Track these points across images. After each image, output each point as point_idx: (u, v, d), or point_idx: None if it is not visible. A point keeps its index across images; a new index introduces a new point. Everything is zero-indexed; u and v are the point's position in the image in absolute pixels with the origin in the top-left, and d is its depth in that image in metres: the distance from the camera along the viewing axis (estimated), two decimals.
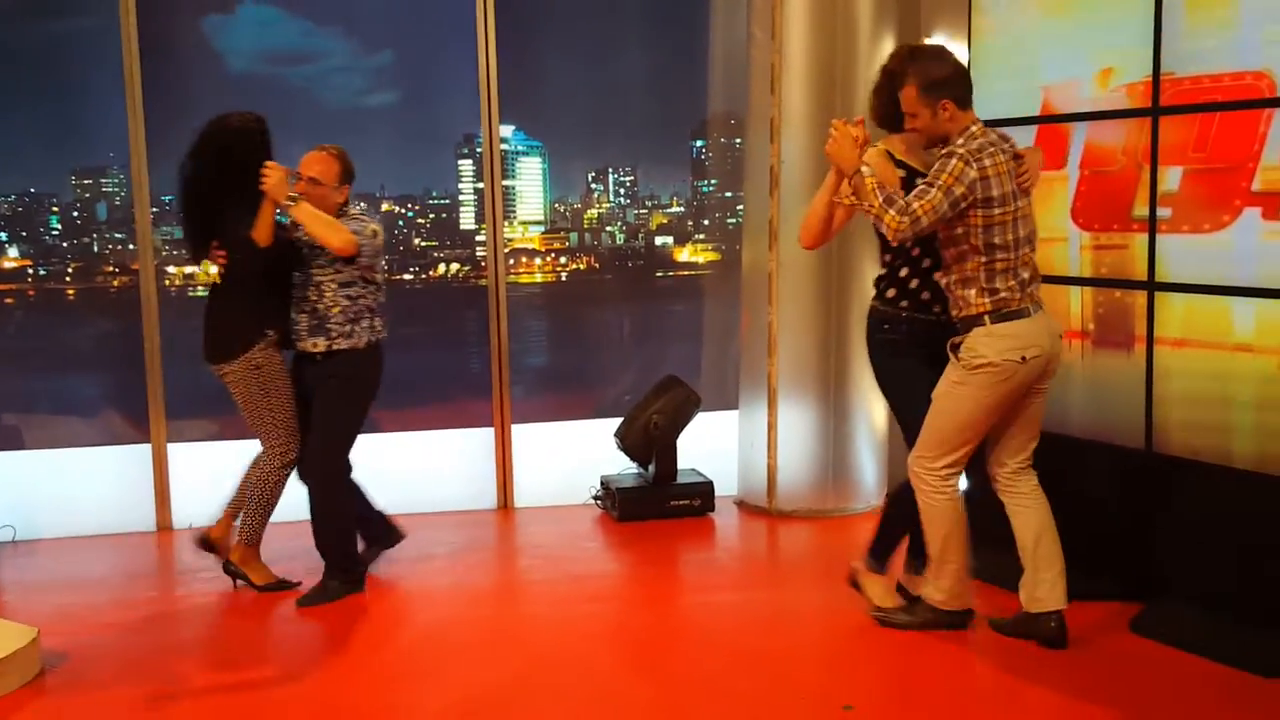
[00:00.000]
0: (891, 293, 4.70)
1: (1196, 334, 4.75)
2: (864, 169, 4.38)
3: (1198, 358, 4.75)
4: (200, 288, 7.04)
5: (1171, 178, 4.79)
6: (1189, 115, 4.72)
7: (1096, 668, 4.43)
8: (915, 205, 4.23)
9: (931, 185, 4.26)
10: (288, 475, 5.38)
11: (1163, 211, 4.83)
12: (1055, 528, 4.59)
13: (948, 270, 4.48)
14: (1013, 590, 4.72)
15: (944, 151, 4.35)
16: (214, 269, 5.27)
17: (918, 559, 4.86)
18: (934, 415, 4.54)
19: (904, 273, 4.66)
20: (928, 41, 6.46)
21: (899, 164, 4.62)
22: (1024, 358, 4.36)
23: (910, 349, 4.68)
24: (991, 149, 4.32)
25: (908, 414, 4.72)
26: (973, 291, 4.39)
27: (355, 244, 5.01)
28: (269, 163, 5.03)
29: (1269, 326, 4.48)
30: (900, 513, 4.87)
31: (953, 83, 4.41)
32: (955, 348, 4.46)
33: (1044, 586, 4.56)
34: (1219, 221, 4.63)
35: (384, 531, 5.72)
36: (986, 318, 4.38)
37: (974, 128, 4.40)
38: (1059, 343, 4.58)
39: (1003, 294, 4.37)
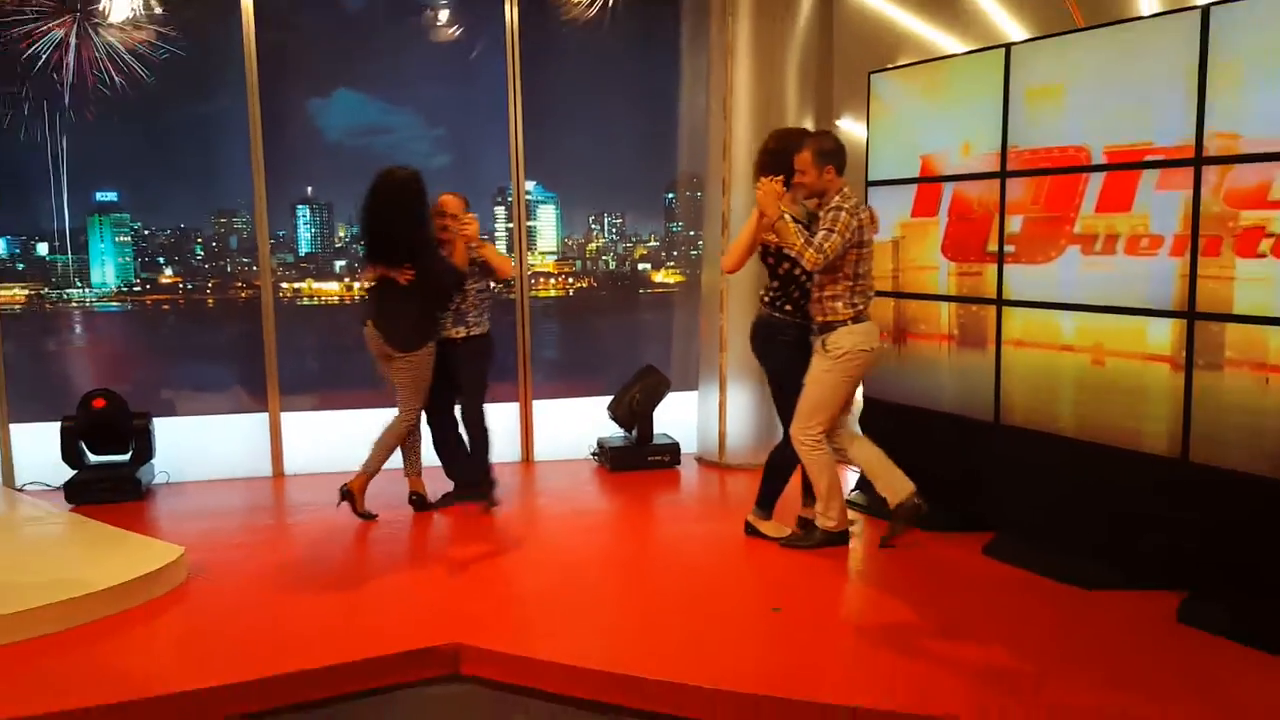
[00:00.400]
0: (788, 308, 4.75)
1: (1032, 338, 4.73)
2: (786, 215, 4.45)
3: (1033, 355, 4.73)
4: (307, 299, 6.98)
5: (1015, 223, 4.76)
6: (1028, 178, 4.69)
7: (957, 580, 4.40)
8: (826, 245, 4.37)
9: (833, 231, 4.39)
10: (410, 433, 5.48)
11: (1008, 248, 4.80)
12: (876, 446, 4.77)
13: (821, 288, 4.58)
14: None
15: (833, 206, 4.46)
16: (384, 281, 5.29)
17: (809, 496, 4.93)
18: (810, 394, 4.63)
19: (795, 294, 4.73)
20: (837, 122, 6.40)
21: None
22: (870, 349, 4.60)
23: (798, 348, 4.72)
24: (859, 207, 4.50)
25: (790, 397, 4.73)
26: (840, 304, 4.54)
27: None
28: (468, 214, 5.32)
29: (1085, 333, 4.48)
30: (778, 471, 4.98)
31: (836, 154, 4.56)
32: (824, 344, 4.57)
33: (896, 482, 4.71)
34: (1049, 256, 4.61)
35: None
36: (849, 321, 4.54)
37: (846, 189, 4.54)
38: (881, 343, 4.84)
39: (859, 306, 4.56)
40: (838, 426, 4.75)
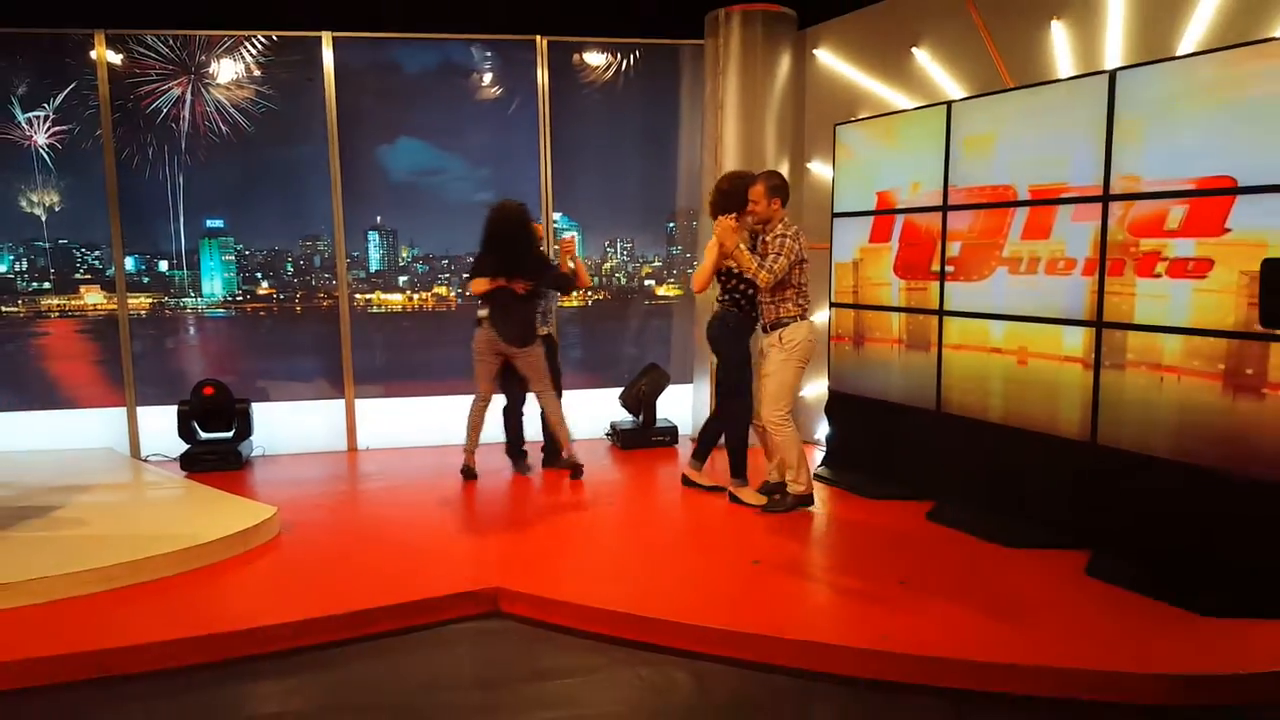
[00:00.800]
0: (732, 308, 4.79)
1: (968, 341, 4.68)
2: (741, 246, 4.54)
3: (969, 356, 4.68)
4: (376, 307, 6.95)
5: (954, 248, 4.71)
6: (965, 210, 4.64)
7: (904, 540, 4.35)
8: (774, 267, 4.47)
9: (779, 255, 4.48)
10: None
11: (949, 268, 4.75)
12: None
13: (772, 295, 4.60)
14: (863, 496, 4.81)
15: (778, 233, 4.53)
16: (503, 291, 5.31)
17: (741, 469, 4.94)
18: (772, 382, 4.61)
19: (739, 297, 4.76)
20: (808, 164, 6.36)
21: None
22: (814, 339, 4.66)
23: (737, 334, 4.78)
24: (799, 233, 4.57)
25: (737, 380, 4.77)
26: (790, 305, 4.58)
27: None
28: (567, 237, 5.57)
29: (1012, 337, 4.44)
30: (710, 433, 5.14)
31: (782, 190, 4.62)
32: (780, 338, 4.57)
33: (804, 476, 4.73)
34: (983, 274, 4.56)
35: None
36: (798, 317, 4.58)
37: (786, 218, 4.61)
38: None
39: (805, 306, 4.62)
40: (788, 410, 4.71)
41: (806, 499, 4.78)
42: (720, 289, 4.86)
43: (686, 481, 5.17)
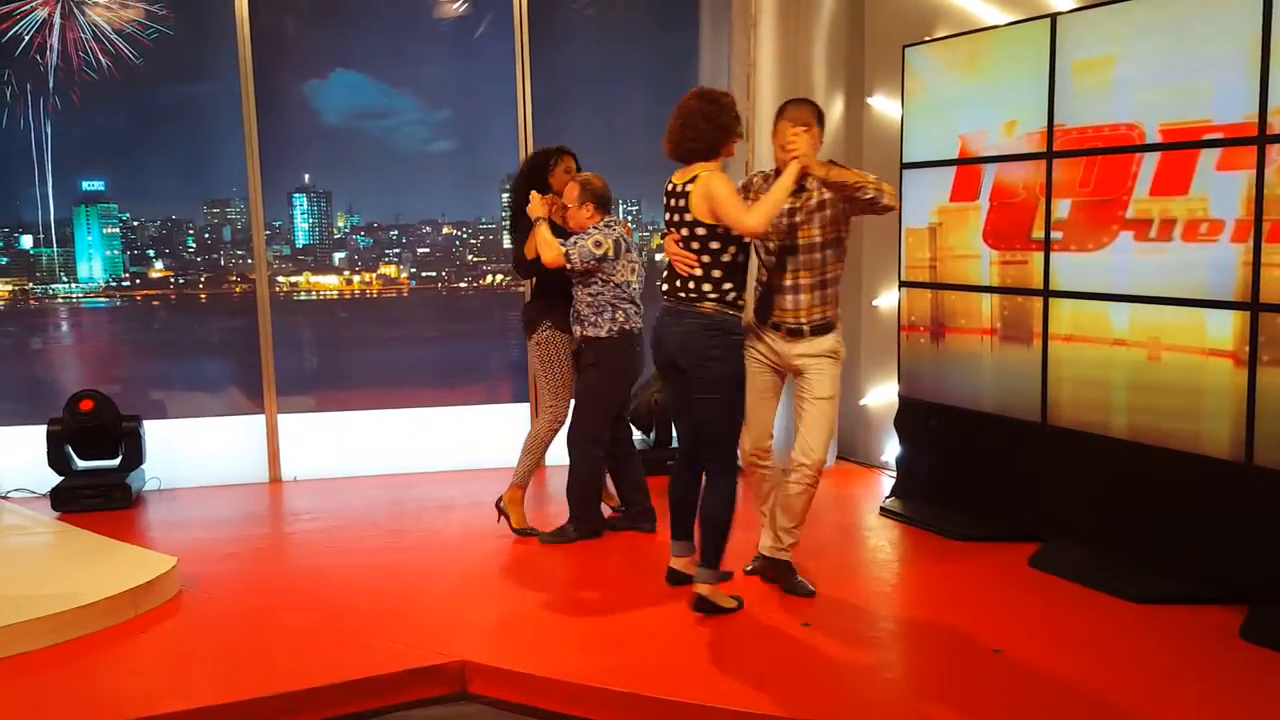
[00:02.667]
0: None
1: (1082, 331, 4.69)
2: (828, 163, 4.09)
3: (1083, 350, 4.69)
4: (304, 293, 6.99)
5: (1062, 208, 4.72)
6: (1076, 158, 4.64)
7: (1000, 593, 4.34)
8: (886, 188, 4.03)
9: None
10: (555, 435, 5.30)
11: (1055, 234, 4.75)
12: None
13: (823, 278, 4.22)
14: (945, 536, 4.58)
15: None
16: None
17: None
18: (831, 410, 4.26)
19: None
20: (869, 99, 6.36)
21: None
22: None
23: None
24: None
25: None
26: (837, 306, 4.32)
27: (562, 257, 4.84)
28: (532, 192, 5.05)
29: (1139, 325, 4.43)
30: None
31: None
32: (831, 347, 4.25)
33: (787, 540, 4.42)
34: (1100, 242, 4.57)
35: (640, 514, 5.35)
36: (837, 325, 4.31)
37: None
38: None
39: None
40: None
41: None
42: (705, 272, 4.06)
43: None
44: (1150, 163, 4.34)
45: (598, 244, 4.90)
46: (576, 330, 5.07)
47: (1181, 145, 4.22)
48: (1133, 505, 4.50)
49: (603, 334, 4.98)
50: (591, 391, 5.09)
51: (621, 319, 5.00)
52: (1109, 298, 4.54)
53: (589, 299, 4.98)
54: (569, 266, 4.90)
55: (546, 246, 4.90)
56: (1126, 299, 4.47)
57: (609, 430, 5.15)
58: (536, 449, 5.26)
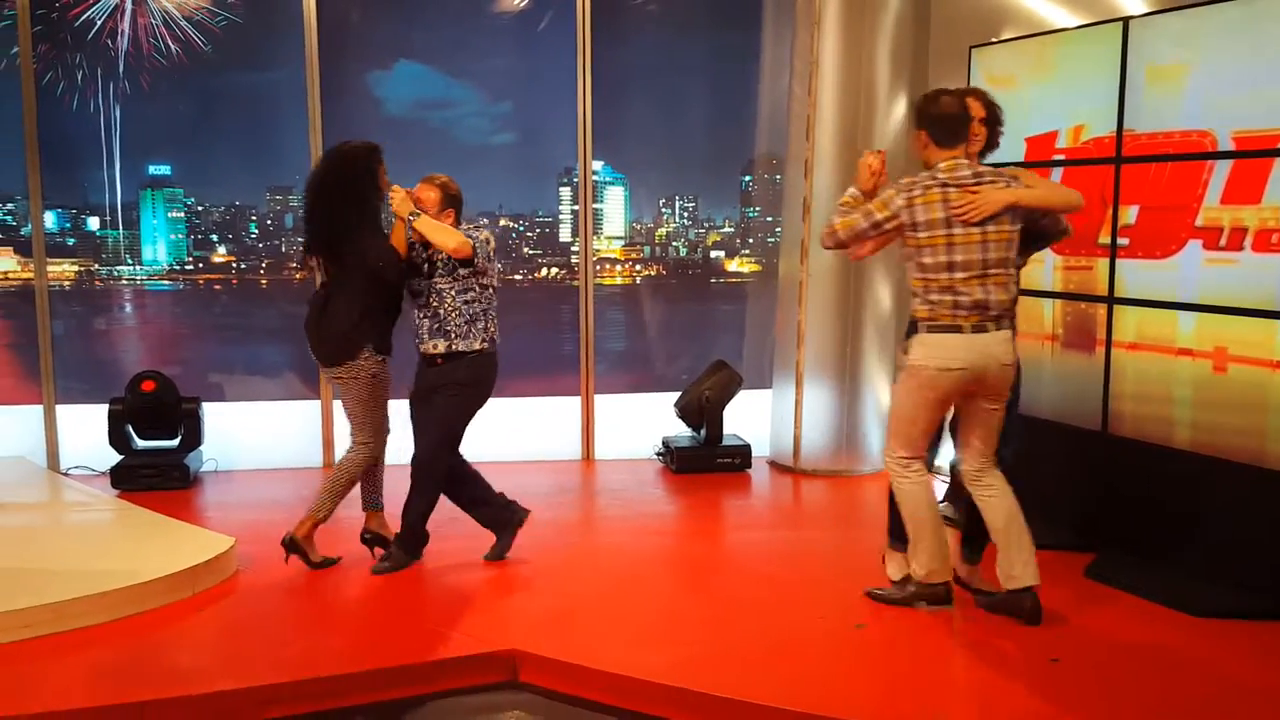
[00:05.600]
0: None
1: (1148, 339, 4.62)
2: (850, 190, 4.12)
3: (1148, 359, 4.62)
4: None
5: (1130, 214, 4.65)
6: (1145, 164, 4.57)
7: (1055, 603, 4.28)
8: (836, 221, 4.02)
9: (860, 209, 4.00)
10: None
11: (1122, 240, 4.69)
12: (1021, 515, 4.04)
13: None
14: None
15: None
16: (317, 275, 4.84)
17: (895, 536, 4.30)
18: (890, 408, 4.21)
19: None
20: None
21: None
22: (939, 368, 3.89)
23: None
24: (930, 182, 3.90)
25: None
26: (917, 301, 3.98)
27: (470, 246, 4.42)
28: (393, 185, 4.56)
29: (1206, 335, 4.36)
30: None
31: (931, 120, 3.99)
32: (905, 348, 4.09)
33: (1018, 566, 4.01)
34: (1168, 250, 4.50)
35: (507, 515, 4.87)
36: (923, 325, 3.95)
37: (942, 164, 3.93)
38: (993, 365, 3.90)
39: (936, 307, 3.90)
40: (982, 466, 4.08)
41: (934, 590, 4.11)
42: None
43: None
44: (1222, 170, 4.27)
45: (487, 240, 4.55)
46: (437, 345, 4.54)
47: (1255, 154, 4.14)
48: (1193, 517, 4.43)
49: (475, 346, 4.54)
50: (459, 411, 4.62)
51: (492, 330, 4.61)
52: (1176, 306, 4.47)
53: (462, 307, 4.53)
54: (475, 262, 4.47)
55: (449, 234, 4.41)
56: (1194, 307, 4.39)
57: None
58: (345, 485, 4.69)
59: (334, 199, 4.57)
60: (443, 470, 4.66)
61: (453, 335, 4.54)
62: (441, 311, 4.54)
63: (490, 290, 4.63)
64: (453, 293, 4.54)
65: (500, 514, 4.86)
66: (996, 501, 4.06)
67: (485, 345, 4.58)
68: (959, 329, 3.89)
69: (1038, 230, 4.06)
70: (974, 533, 4.28)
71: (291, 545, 4.63)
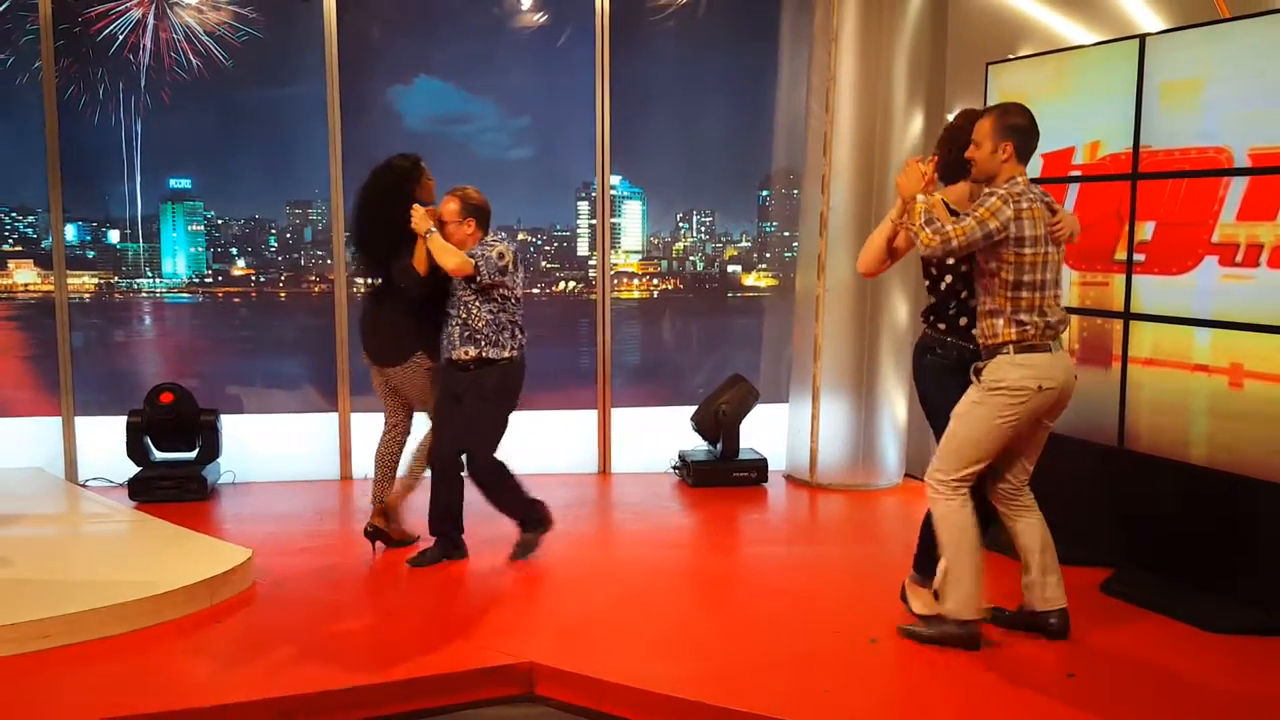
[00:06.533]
0: (941, 325, 4.12)
1: (1164, 355, 4.62)
2: (920, 198, 3.90)
3: (1164, 375, 4.62)
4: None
5: (1146, 230, 4.66)
6: (1162, 180, 4.58)
7: (1073, 618, 4.27)
8: (950, 229, 3.78)
9: (969, 215, 3.81)
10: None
11: (1138, 256, 4.70)
12: (1052, 538, 4.09)
13: (980, 301, 3.96)
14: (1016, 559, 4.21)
15: (986, 191, 3.89)
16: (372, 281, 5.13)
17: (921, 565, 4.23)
18: (952, 431, 3.96)
19: (952, 310, 4.09)
20: (949, 117, 6.31)
21: (953, 213, 3.98)
22: (1040, 386, 3.84)
23: (951, 372, 4.04)
24: (1031, 195, 3.85)
25: (940, 429, 4.07)
26: (1000, 321, 3.86)
27: (470, 265, 4.61)
28: (414, 205, 4.74)
29: (1222, 351, 4.35)
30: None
31: (1021, 132, 3.91)
32: (978, 371, 3.92)
33: (1050, 588, 4.03)
34: (1184, 266, 4.50)
35: (451, 544, 5.05)
36: (1010, 347, 3.85)
37: (1020, 178, 3.89)
38: (1073, 381, 3.99)
39: (1027, 327, 3.84)
40: (1022, 484, 4.09)
41: (966, 628, 3.96)
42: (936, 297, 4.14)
43: (903, 595, 4.32)
44: (1238, 187, 4.27)
45: (500, 255, 4.69)
46: (467, 352, 4.74)
47: (1271, 170, 4.14)
48: (1210, 534, 4.43)
49: (505, 355, 4.75)
50: (495, 419, 4.80)
51: (521, 339, 4.82)
52: (1192, 322, 4.47)
53: (489, 318, 4.72)
54: (478, 279, 4.65)
55: (449, 254, 4.62)
56: (1210, 324, 4.39)
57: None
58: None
59: (374, 214, 4.89)
60: (498, 466, 4.83)
61: (482, 343, 4.73)
62: (470, 321, 4.74)
63: (513, 301, 4.77)
64: (477, 304, 4.73)
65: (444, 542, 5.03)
66: (1034, 523, 4.09)
67: (514, 354, 4.78)
68: (1048, 347, 3.89)
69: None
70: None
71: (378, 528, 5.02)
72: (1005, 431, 3.91)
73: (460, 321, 4.76)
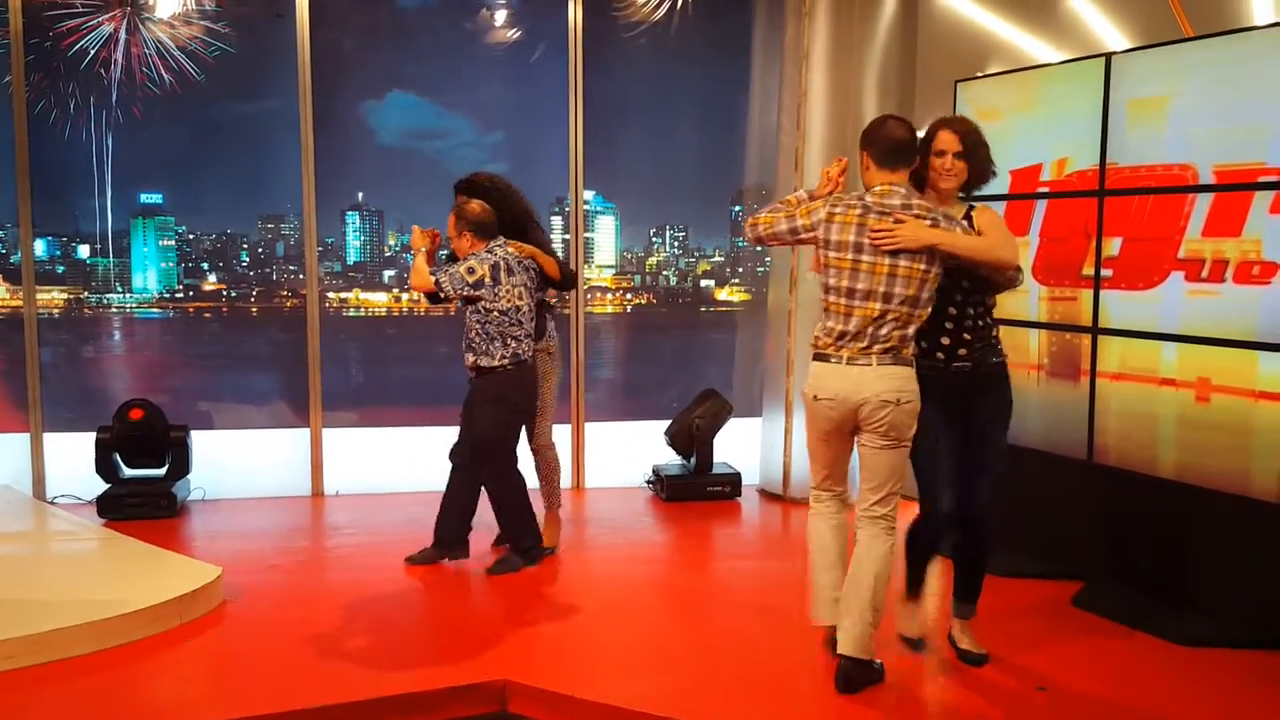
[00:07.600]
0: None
1: (1131, 369, 4.66)
2: (800, 191, 3.97)
3: (1131, 389, 4.65)
4: (353, 309, 7.07)
5: (1113, 245, 4.70)
6: (1128, 197, 4.62)
7: (1042, 632, 4.31)
8: (760, 217, 3.85)
9: (785, 210, 3.83)
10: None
11: (1106, 272, 4.73)
12: (871, 583, 3.71)
13: None
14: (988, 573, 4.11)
15: (835, 196, 3.85)
16: None
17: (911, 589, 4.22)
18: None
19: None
20: (920, 134, 6.35)
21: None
22: (815, 397, 3.71)
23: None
24: (850, 202, 3.71)
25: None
26: (818, 324, 3.80)
27: (430, 284, 4.83)
28: (414, 226, 5.08)
29: (1189, 365, 4.40)
30: (914, 548, 4.19)
31: (869, 141, 3.83)
32: None
33: (841, 629, 3.75)
34: (1150, 281, 4.54)
35: (456, 543, 5.18)
36: (812, 350, 3.80)
37: (878, 186, 3.73)
38: (868, 397, 3.63)
39: (819, 335, 3.74)
40: (864, 514, 3.88)
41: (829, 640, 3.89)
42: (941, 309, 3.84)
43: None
44: (1203, 203, 4.32)
45: (470, 270, 4.81)
46: (467, 359, 4.94)
47: (1235, 187, 4.19)
48: (1178, 546, 4.46)
49: (495, 363, 4.85)
50: (489, 424, 4.92)
51: (514, 347, 4.88)
52: (1159, 337, 4.51)
53: (478, 328, 4.86)
54: (442, 295, 4.86)
55: (415, 273, 4.96)
56: (1176, 338, 4.44)
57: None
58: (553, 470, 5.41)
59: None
60: (508, 478, 5.02)
61: (477, 351, 4.90)
62: (466, 331, 4.95)
63: (496, 313, 4.85)
64: (468, 316, 4.94)
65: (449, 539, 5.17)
66: (858, 559, 3.80)
67: (505, 363, 4.88)
68: (827, 358, 3.70)
69: (979, 276, 3.80)
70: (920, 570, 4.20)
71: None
72: (812, 441, 3.88)
73: (464, 332, 4.98)
